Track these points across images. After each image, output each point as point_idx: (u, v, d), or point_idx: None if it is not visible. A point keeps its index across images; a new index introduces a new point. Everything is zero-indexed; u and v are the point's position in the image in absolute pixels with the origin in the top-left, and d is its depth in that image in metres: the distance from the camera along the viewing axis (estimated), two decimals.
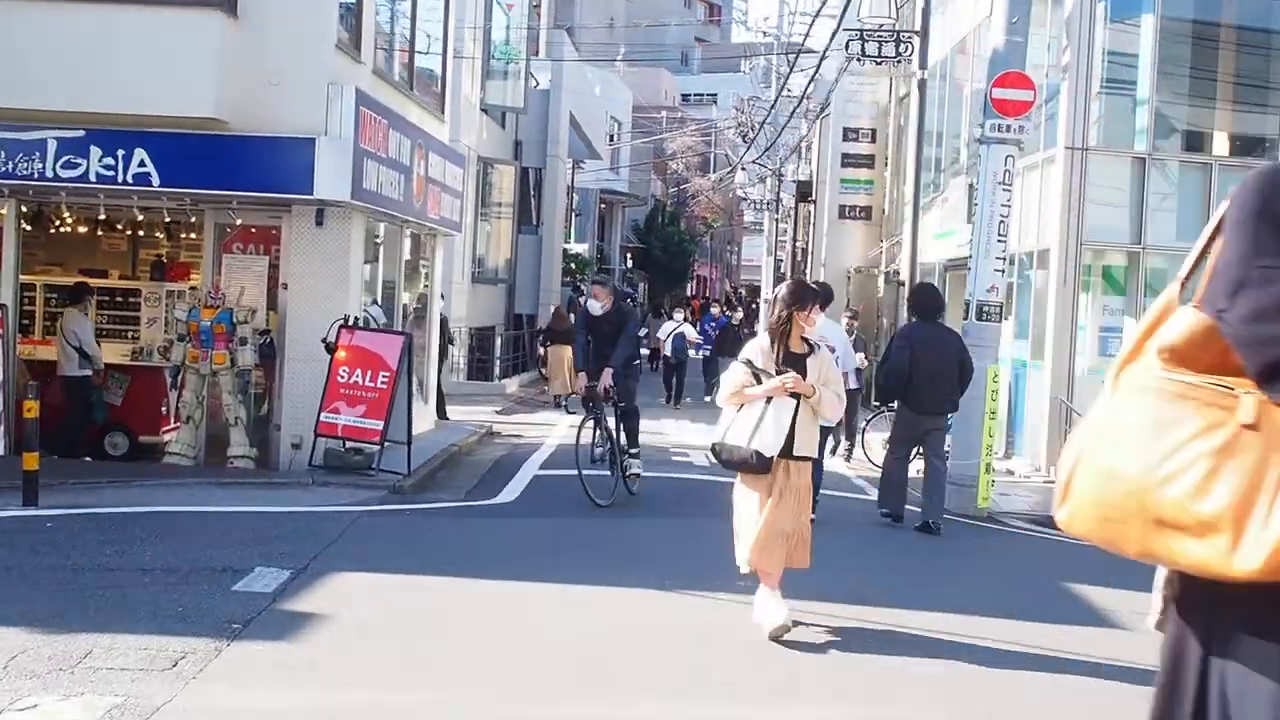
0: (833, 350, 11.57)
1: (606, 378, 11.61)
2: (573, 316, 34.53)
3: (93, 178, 12.13)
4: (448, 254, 23.01)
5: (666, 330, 26.02)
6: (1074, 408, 16.21)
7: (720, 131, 63.08)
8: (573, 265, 39.25)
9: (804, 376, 7.06)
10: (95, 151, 12.07)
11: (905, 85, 29.34)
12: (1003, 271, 13.86)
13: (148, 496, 10.79)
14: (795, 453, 7.09)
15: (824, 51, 22.91)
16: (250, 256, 13.69)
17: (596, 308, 11.94)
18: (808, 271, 45.39)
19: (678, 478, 14.26)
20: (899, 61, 16.92)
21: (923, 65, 16.56)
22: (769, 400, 7.00)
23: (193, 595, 7.08)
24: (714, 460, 7.45)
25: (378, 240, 14.99)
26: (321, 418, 12.66)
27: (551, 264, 33.16)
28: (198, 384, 12.91)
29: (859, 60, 17.32)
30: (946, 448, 12.77)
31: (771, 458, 6.96)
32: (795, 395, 7.03)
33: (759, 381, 7.09)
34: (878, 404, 14.57)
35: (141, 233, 15.82)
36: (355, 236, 13.24)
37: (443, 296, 17.90)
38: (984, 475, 13.70)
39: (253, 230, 13.70)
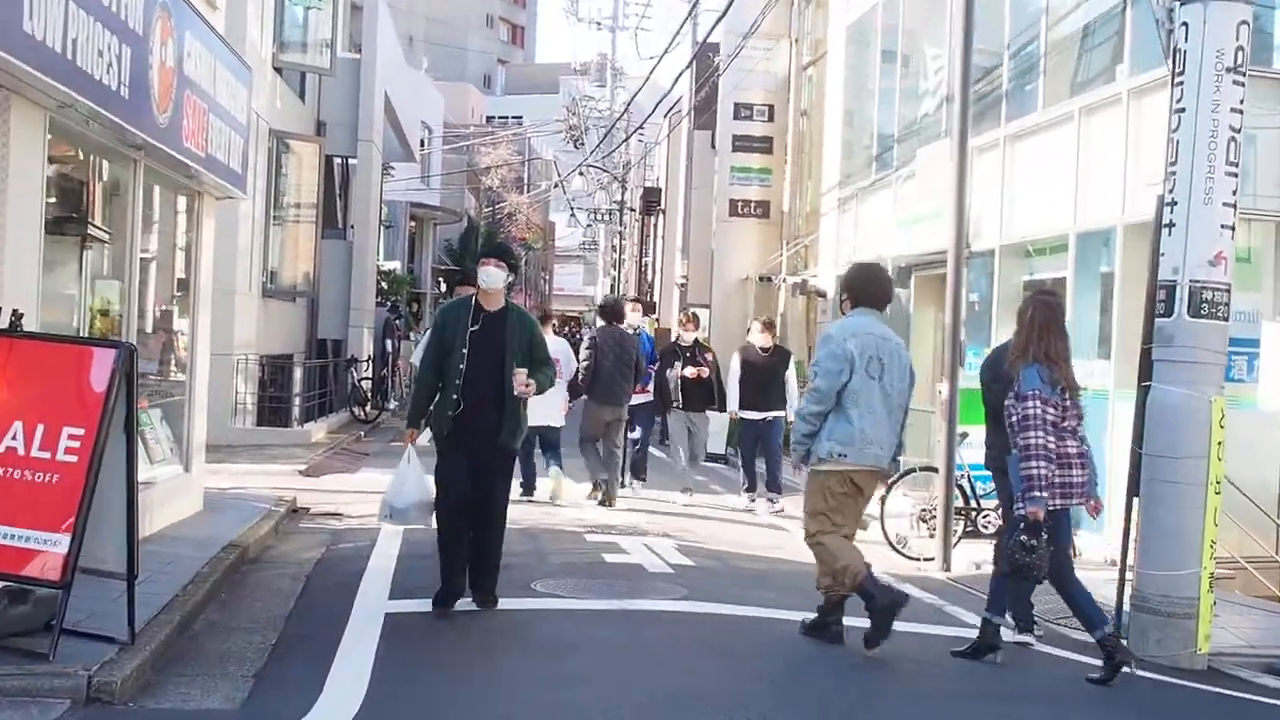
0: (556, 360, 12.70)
1: None
2: (389, 342, 28.26)
3: None
4: (228, 252, 15.99)
5: None
6: None
7: (534, 152, 57.35)
8: (383, 284, 32.15)
9: None
10: None
11: (810, 51, 23.64)
12: (1232, 228, 7.84)
13: None
14: None
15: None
16: None
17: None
18: (656, 289, 39.48)
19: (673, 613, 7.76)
20: None
21: None
22: None
23: None
24: None
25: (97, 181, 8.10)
26: None
27: (364, 278, 26.07)
28: None
29: None
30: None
31: None
32: None
33: None
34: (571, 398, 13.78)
35: None
36: (18, 144, 6.42)
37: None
38: (1206, 595, 7.64)
39: None
